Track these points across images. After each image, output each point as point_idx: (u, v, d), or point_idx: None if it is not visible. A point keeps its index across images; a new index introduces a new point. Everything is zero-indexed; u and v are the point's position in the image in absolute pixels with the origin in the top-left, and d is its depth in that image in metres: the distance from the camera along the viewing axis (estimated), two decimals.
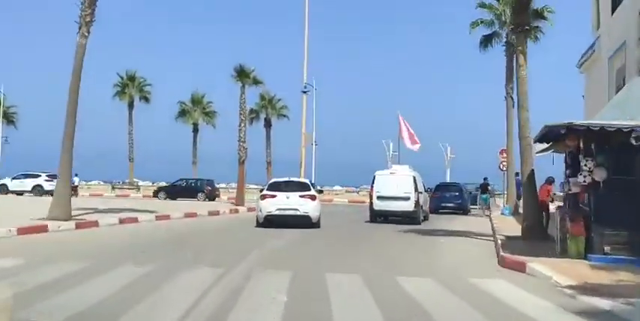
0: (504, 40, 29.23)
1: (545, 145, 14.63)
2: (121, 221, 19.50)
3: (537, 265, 10.60)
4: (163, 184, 60.72)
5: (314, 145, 47.59)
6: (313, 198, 19.51)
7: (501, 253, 11.99)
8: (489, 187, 32.67)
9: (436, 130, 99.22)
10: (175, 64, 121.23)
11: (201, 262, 11.15)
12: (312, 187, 20.82)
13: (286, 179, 21.42)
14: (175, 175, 47.79)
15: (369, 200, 23.72)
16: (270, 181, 21.27)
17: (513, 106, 29.05)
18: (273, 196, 19.18)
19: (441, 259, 12.92)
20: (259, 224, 19.42)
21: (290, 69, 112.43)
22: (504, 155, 31.26)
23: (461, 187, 34.73)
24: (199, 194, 39.98)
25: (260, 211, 19.34)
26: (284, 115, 54.57)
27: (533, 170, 15.68)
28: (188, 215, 24.18)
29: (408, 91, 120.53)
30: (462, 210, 32.59)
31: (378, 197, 22.85)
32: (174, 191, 41.23)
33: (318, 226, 19.49)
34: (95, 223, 18.34)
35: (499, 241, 14.74)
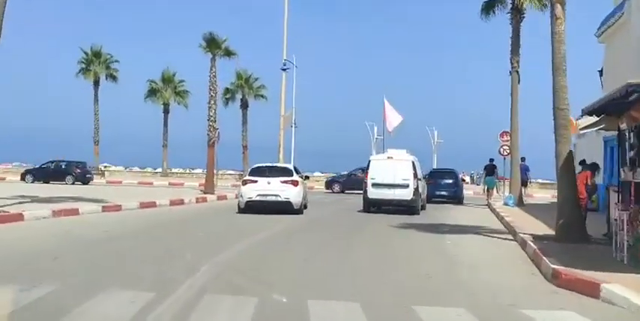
0: (510, 6, 25.73)
1: (591, 120, 11.25)
2: (55, 214, 15.82)
3: (617, 287, 7.21)
4: (117, 168, 56.67)
5: (293, 128, 44.03)
6: (295, 183, 18.95)
7: (553, 266, 8.58)
8: (496, 170, 28.91)
9: (423, 113, 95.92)
10: (145, 40, 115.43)
11: (128, 280, 7.64)
12: (295, 173, 19.88)
13: (269, 164, 21.10)
14: (146, 159, 44.02)
15: (363, 187, 21.08)
16: (253, 167, 20.69)
17: (519, 82, 25.79)
18: (255, 182, 18.79)
19: (464, 271, 9.49)
20: (241, 210, 18.95)
21: (269, 47, 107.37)
22: (506, 138, 27.95)
23: (456, 174, 32.01)
24: (68, 177, 39.17)
25: (241, 196, 18.99)
26: (262, 96, 50.98)
27: (571, 152, 12.30)
28: (145, 205, 20.52)
29: (394, 71, 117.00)
30: (457, 199, 29.81)
31: (373, 184, 20.26)
32: (43, 174, 39.98)
33: (301, 213, 19.03)
34: (19, 217, 14.66)
35: (531, 244, 11.35)
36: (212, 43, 27.06)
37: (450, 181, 30.27)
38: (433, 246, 12.62)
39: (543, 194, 35.68)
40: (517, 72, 25.53)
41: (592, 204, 22.74)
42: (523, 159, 28.31)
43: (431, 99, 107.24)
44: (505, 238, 14.20)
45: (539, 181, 45.21)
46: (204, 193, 27.57)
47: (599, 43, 22.72)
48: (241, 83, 49.87)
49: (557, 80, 12.34)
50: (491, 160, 29.27)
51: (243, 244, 11.79)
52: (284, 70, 42.86)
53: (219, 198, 26.70)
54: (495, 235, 14.96)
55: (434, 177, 29.35)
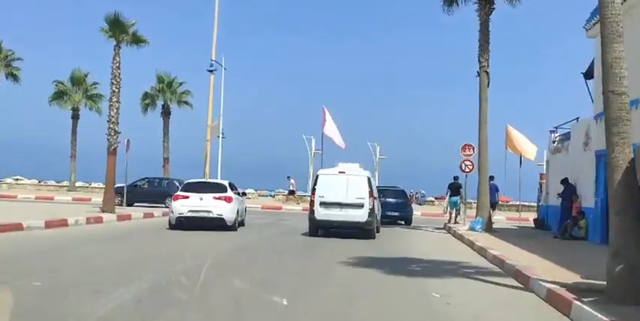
0: None
1: None
2: None
3: None
4: (30, 181, 50.53)
5: (220, 138, 38.95)
6: (229, 200, 18.51)
7: None
8: (461, 190, 24.77)
9: (364, 128, 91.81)
10: (53, 37, 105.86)
11: None
12: (230, 189, 19.20)
13: (202, 180, 21.70)
14: (50, 171, 37.84)
15: (309, 207, 18.21)
16: (186, 182, 20.24)
17: (488, 85, 21.74)
18: (186, 197, 18.39)
19: None
20: (172, 226, 18.42)
21: (197, 50, 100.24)
22: (469, 152, 23.80)
23: (405, 192, 28.14)
24: None
25: (172, 212, 18.55)
26: (186, 103, 45.53)
27: (633, 160, 7.89)
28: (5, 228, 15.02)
29: (335, 81, 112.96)
30: (406, 220, 26.18)
31: (322, 204, 17.38)
32: None
33: (235, 229, 18.53)
34: None
35: (577, 307, 6.82)
36: (116, 27, 21.70)
37: (400, 200, 26.51)
38: (417, 303, 7.92)
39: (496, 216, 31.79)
40: (486, 72, 21.49)
41: (579, 231, 18.81)
42: (492, 178, 24.66)
43: (373, 113, 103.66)
44: (512, 286, 9.67)
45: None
46: (103, 210, 22.07)
47: (589, 38, 18.91)
48: (162, 87, 44.35)
49: (610, 59, 8.02)
50: (456, 178, 25.23)
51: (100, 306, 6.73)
52: (210, 71, 37.85)
53: (121, 218, 21.31)
54: (490, 278, 10.44)
55: (381, 196, 24.89)
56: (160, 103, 45.12)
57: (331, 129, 43.38)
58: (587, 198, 18.52)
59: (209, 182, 20.70)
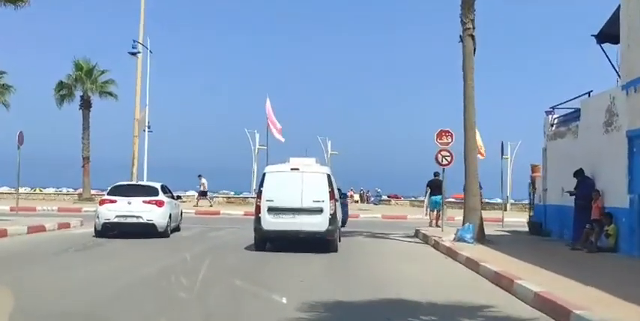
0: None
1: None
2: None
3: None
4: None
5: (147, 132, 33.38)
6: (160, 204, 17.23)
7: None
8: (443, 187, 20.41)
9: (315, 121, 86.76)
10: None
11: None
12: (162, 192, 17.83)
13: (132, 183, 21.51)
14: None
15: (254, 213, 14.48)
16: (113, 185, 18.54)
17: (474, 53, 17.06)
18: (113, 202, 17.10)
19: None
20: (98, 233, 16.96)
21: (122, 36, 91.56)
22: (446, 140, 19.09)
23: (345, 193, 26.11)
24: None
25: (97, 217, 17.11)
26: (109, 93, 39.68)
27: None
28: None
29: (280, 69, 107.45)
30: (344, 224, 21.56)
31: (271, 209, 14.03)
32: None
33: (167, 236, 17.13)
34: None
35: None
36: None
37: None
38: None
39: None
40: (472, 36, 16.76)
41: (607, 239, 14.28)
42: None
43: (325, 106, 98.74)
44: None
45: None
46: None
47: None
48: (80, 75, 38.41)
49: None
50: (437, 174, 21.19)
51: None
52: (133, 54, 32.47)
53: (31, 230, 16.29)
54: None
55: None
56: (78, 94, 39.21)
57: (274, 122, 38.54)
58: (614, 195, 14.02)
59: (139, 185, 19.84)
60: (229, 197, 41.11)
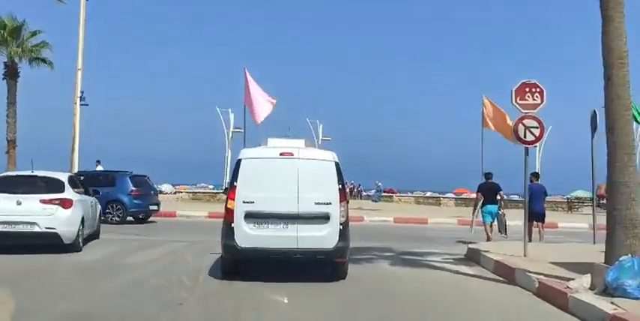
0: None
1: None
2: None
3: None
4: None
5: (78, 105, 25.24)
6: (67, 204, 12.54)
7: None
8: (501, 192, 15.79)
9: (307, 102, 78.71)
10: None
11: None
12: (71, 187, 13.02)
13: (25, 173, 13.78)
14: None
15: (224, 220, 9.57)
16: None
17: None
18: None
19: None
20: None
21: None
22: (533, 99, 11.21)
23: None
24: None
25: None
26: (43, 60, 31.38)
27: None
28: None
29: (259, 45, 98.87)
30: None
31: (251, 216, 9.35)
32: None
33: (78, 249, 12.46)
34: None
35: None
36: None
37: None
38: None
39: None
40: None
41: None
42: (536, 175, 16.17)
43: (314, 84, 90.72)
44: None
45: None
46: None
47: None
48: (4, 36, 30.11)
49: None
50: (488, 174, 16.04)
51: None
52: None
53: None
54: None
55: None
56: (1, 59, 30.93)
57: (255, 97, 30.47)
58: None
59: (35, 176, 13.65)
60: (195, 192, 32.92)
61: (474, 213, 16.21)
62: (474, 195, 45.14)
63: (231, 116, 34.46)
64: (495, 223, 15.66)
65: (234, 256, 9.47)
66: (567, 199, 38.34)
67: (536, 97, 11.32)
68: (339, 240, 9.29)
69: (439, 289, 9.14)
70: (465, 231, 17.27)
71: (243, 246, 9.23)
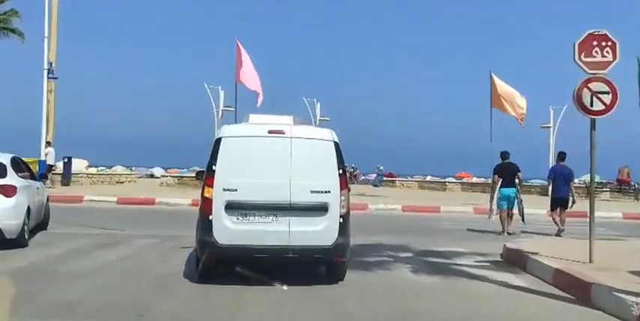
0: None
1: None
2: None
3: None
4: None
5: (45, 78, 22.41)
6: (9, 191, 10.40)
7: None
8: (519, 174, 14.11)
9: (302, 79, 76.31)
10: None
11: None
12: (13, 170, 10.79)
13: None
14: None
15: (199, 212, 8.03)
16: None
17: None
18: None
19: None
20: None
21: None
22: (602, 56, 8.56)
23: None
24: None
25: None
26: (12, 31, 28.64)
27: None
28: None
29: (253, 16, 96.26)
30: None
31: (233, 207, 7.81)
32: None
33: (23, 244, 10.34)
34: None
35: None
36: None
37: None
38: None
39: (534, 210, 16.82)
40: None
41: None
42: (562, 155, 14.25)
43: (311, 62, 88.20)
44: None
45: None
46: None
47: None
48: None
49: None
50: (505, 154, 14.34)
51: None
52: None
53: None
54: None
55: None
56: None
57: (248, 73, 27.87)
58: None
59: None
60: (181, 177, 30.22)
61: (491, 199, 14.38)
62: (475, 179, 42.54)
63: (221, 94, 31.65)
64: (515, 209, 13.94)
65: (211, 256, 7.88)
66: (585, 183, 35.72)
67: (607, 52, 8.66)
68: (338, 235, 7.91)
69: (487, 312, 6.56)
70: (484, 221, 14.89)
71: (223, 243, 7.80)
